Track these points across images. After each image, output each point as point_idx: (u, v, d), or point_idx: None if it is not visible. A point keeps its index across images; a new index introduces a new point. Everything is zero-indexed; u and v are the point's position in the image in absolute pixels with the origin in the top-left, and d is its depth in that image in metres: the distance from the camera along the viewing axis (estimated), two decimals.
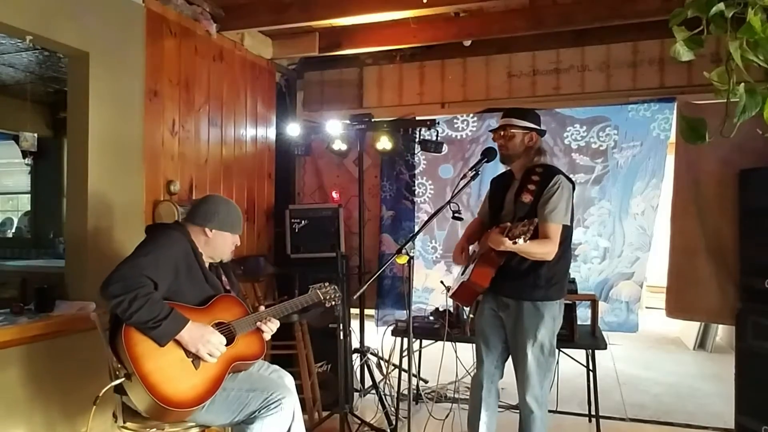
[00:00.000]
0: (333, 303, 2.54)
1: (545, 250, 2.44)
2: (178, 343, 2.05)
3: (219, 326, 2.21)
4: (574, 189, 2.57)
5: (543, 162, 2.63)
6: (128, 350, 1.97)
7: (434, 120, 4.04)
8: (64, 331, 2.56)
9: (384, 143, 4.07)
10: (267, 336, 2.36)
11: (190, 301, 2.20)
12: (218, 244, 2.35)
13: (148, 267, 2.04)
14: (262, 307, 2.41)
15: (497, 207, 2.71)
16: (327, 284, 2.56)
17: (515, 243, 2.25)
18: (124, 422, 2.18)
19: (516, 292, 2.54)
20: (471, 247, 2.81)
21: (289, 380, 2.46)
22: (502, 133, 2.60)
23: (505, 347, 2.67)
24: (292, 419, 2.29)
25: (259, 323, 2.31)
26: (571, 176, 2.64)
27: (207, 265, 2.41)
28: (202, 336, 2.08)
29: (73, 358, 2.63)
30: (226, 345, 2.17)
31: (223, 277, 2.47)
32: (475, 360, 2.79)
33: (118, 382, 2.03)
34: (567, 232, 2.53)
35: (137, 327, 1.98)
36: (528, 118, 2.61)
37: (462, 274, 2.75)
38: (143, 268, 2.03)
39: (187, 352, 2.07)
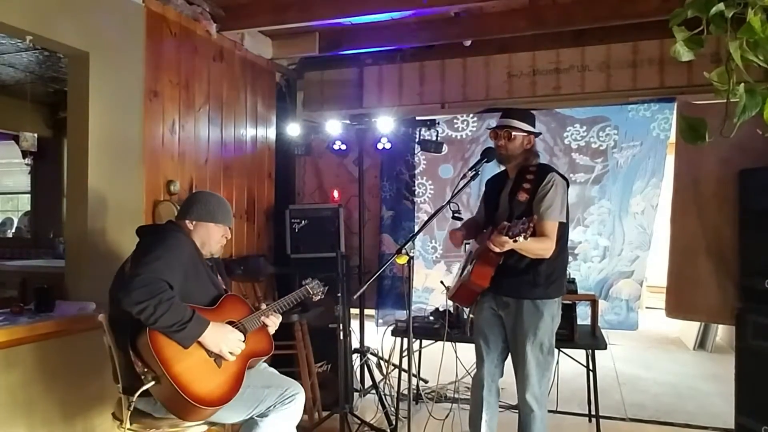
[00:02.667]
0: (320, 296, 2.63)
1: (544, 247, 2.45)
2: (200, 344, 2.09)
3: (232, 324, 2.24)
4: (568, 186, 2.59)
5: (537, 163, 2.65)
6: (157, 354, 1.99)
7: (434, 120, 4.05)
8: (64, 331, 2.56)
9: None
10: (272, 330, 2.42)
11: (200, 301, 2.22)
12: (202, 236, 2.34)
13: (164, 271, 2.05)
14: (264, 305, 2.45)
15: (492, 207, 2.72)
16: (311, 279, 2.65)
17: (516, 241, 2.25)
18: (131, 424, 2.17)
19: (515, 290, 2.55)
20: (468, 247, 2.82)
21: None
22: (502, 133, 2.60)
23: (505, 346, 2.68)
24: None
25: (263, 318, 2.36)
26: (571, 176, 2.66)
27: None
28: (224, 336, 2.13)
29: (73, 358, 2.63)
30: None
31: (218, 276, 2.48)
32: (475, 360, 2.79)
33: (149, 385, 2.04)
34: (563, 229, 2.54)
35: (162, 331, 2.00)
36: (528, 120, 2.62)
37: (461, 275, 2.75)
38: (161, 273, 2.03)
39: (209, 352, 2.11)
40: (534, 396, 2.54)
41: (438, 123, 4.07)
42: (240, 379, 2.18)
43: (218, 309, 2.26)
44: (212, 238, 2.36)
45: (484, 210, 2.81)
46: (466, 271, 2.66)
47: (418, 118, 4.17)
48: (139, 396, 2.07)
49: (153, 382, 2.03)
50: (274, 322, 2.41)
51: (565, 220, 2.54)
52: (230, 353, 2.14)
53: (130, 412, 2.11)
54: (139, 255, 2.13)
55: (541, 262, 2.49)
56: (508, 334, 2.63)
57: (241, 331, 2.24)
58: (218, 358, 2.13)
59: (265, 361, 2.50)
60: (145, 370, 2.05)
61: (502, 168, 2.75)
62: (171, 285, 2.04)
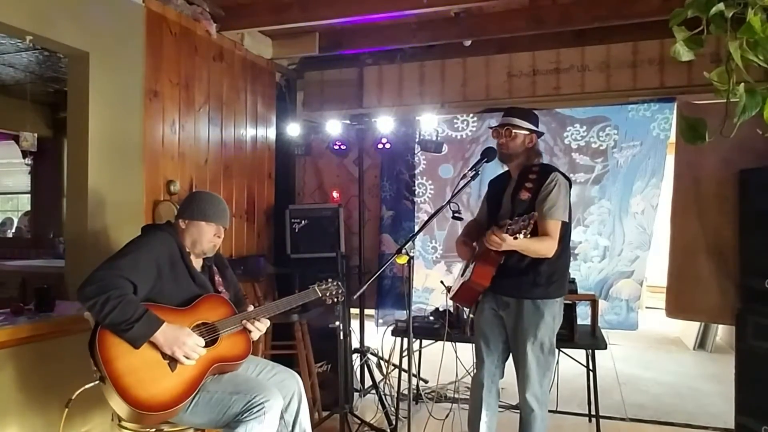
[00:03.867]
0: (335, 300, 2.46)
1: (546, 246, 2.44)
2: (155, 345, 2.03)
3: (202, 327, 2.18)
4: (570, 186, 2.59)
5: (539, 162, 2.65)
6: (101, 353, 1.96)
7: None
8: (64, 331, 2.55)
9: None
10: (255, 336, 2.30)
11: (174, 301, 2.18)
12: (194, 235, 2.30)
13: (125, 268, 2.03)
14: (251, 307, 2.35)
15: (495, 207, 2.72)
16: (329, 280, 2.48)
17: (516, 238, 2.25)
18: (119, 421, 2.17)
19: (516, 290, 2.54)
20: None
21: (294, 381, 2.40)
22: (503, 131, 2.60)
23: (506, 347, 2.67)
24: (295, 420, 2.29)
25: (245, 323, 2.26)
26: (571, 176, 2.65)
27: (201, 264, 2.40)
28: (177, 338, 2.05)
29: (73, 358, 2.62)
30: (209, 346, 2.15)
31: (217, 277, 2.44)
32: (475, 360, 2.79)
33: (91, 384, 2.02)
34: (566, 228, 2.54)
35: (111, 329, 1.97)
36: (530, 119, 2.62)
37: (462, 275, 2.75)
38: (121, 270, 2.02)
39: (164, 354, 2.05)
40: (535, 396, 2.54)
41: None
42: (195, 384, 2.08)
43: (190, 310, 2.20)
44: (204, 237, 2.31)
45: (487, 210, 2.80)
46: (467, 271, 2.65)
47: (417, 118, 4.17)
48: None
49: (97, 381, 2.01)
50: (258, 328, 2.28)
51: (567, 220, 2.53)
52: (185, 357, 2.05)
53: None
54: (114, 253, 2.14)
55: (542, 261, 2.48)
56: (508, 334, 2.62)
57: (212, 334, 2.17)
58: (173, 361, 2.05)
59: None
60: (94, 368, 2.02)
61: (505, 168, 2.75)
62: (135, 283, 2.03)
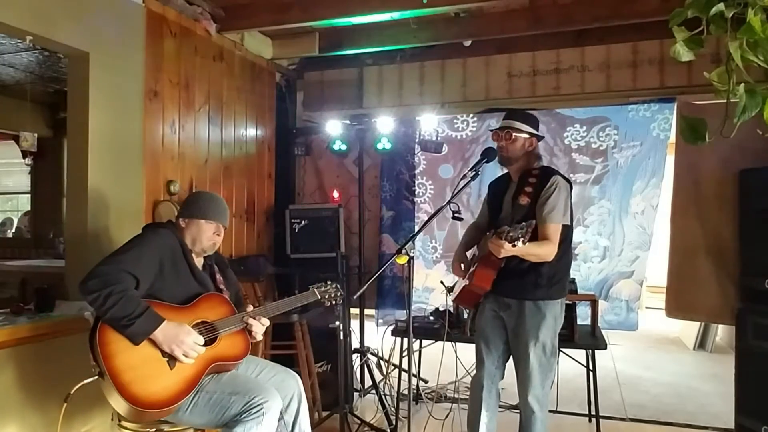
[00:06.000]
0: (333, 302, 2.49)
1: (545, 251, 2.44)
2: (154, 343, 2.03)
3: (201, 325, 2.18)
4: (571, 189, 2.58)
5: (539, 166, 2.64)
6: (101, 348, 1.96)
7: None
8: (64, 331, 2.55)
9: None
10: (258, 336, 2.32)
11: (174, 298, 2.18)
12: (194, 233, 2.31)
13: (128, 263, 2.04)
14: (250, 306, 2.36)
15: (496, 210, 2.71)
16: (329, 282, 2.51)
17: (514, 246, 2.24)
18: (119, 421, 2.17)
19: (517, 291, 2.54)
20: (470, 252, 2.81)
21: (294, 382, 2.40)
22: (503, 134, 2.60)
23: (506, 348, 2.67)
24: (295, 420, 2.29)
25: (247, 319, 2.27)
26: (571, 176, 2.65)
27: (202, 263, 2.40)
28: (177, 336, 2.05)
29: (73, 358, 2.62)
30: (208, 345, 2.15)
31: (218, 276, 2.45)
32: (475, 360, 2.79)
33: (90, 380, 2.02)
34: (567, 231, 2.53)
35: (111, 324, 1.98)
36: (530, 122, 2.61)
37: (463, 277, 2.75)
38: (124, 264, 2.03)
39: (163, 352, 2.05)
40: (536, 398, 2.53)
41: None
42: (193, 383, 2.08)
43: (191, 308, 2.20)
44: (203, 235, 2.32)
45: (488, 213, 2.80)
46: (468, 274, 2.65)
47: (417, 118, 4.17)
48: None
49: (96, 377, 2.01)
50: (258, 329, 2.29)
51: (568, 223, 2.52)
52: (183, 355, 2.05)
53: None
54: (117, 248, 2.15)
55: (543, 263, 2.47)
56: (509, 335, 2.62)
57: (210, 333, 2.17)
58: (172, 359, 2.06)
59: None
60: (93, 363, 2.03)
61: (505, 171, 2.74)
62: (137, 277, 2.04)
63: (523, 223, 2.24)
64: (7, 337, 2.34)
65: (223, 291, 2.40)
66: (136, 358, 2.00)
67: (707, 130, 1.27)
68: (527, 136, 2.59)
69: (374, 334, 4.11)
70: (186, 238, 2.32)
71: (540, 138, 2.68)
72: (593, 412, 3.48)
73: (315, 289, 2.47)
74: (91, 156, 2.85)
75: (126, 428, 2.17)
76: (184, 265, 2.26)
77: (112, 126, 2.97)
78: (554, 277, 2.52)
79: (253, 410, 2.06)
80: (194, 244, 2.33)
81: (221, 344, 2.20)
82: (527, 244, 2.25)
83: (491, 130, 2.71)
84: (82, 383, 2.07)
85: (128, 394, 1.95)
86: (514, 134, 2.57)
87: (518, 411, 2.63)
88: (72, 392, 2.10)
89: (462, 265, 2.74)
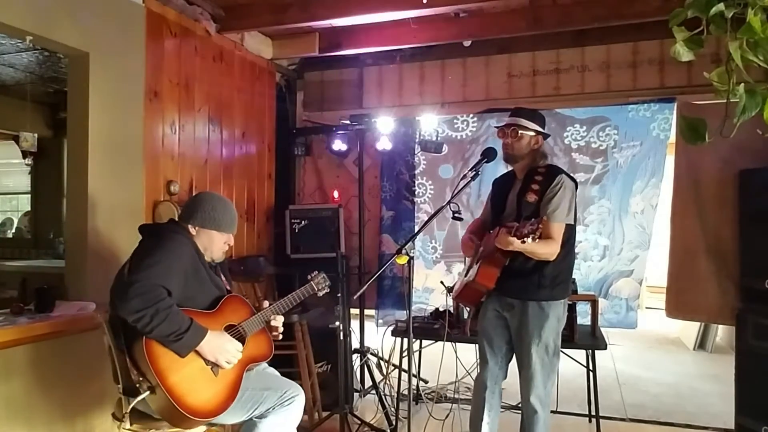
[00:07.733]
0: (325, 291, 2.54)
1: (549, 250, 2.44)
2: (197, 352, 2.07)
3: (230, 329, 2.22)
4: (576, 188, 2.57)
5: (546, 164, 2.63)
6: (152, 364, 1.97)
7: None
8: (64, 331, 2.55)
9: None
10: (279, 335, 2.42)
11: (200, 304, 2.20)
12: (204, 242, 2.30)
13: (161, 277, 2.02)
14: (266, 303, 2.39)
15: (499, 208, 2.70)
16: (315, 273, 2.56)
17: (524, 242, 2.24)
18: (131, 424, 2.17)
19: (521, 292, 2.53)
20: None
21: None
22: (509, 131, 2.59)
23: (509, 348, 2.66)
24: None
25: (272, 321, 2.36)
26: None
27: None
28: (221, 345, 2.11)
29: (74, 358, 2.63)
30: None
31: (221, 276, 2.46)
32: (477, 360, 2.79)
33: (143, 396, 2.02)
34: (570, 231, 2.52)
35: (159, 340, 1.99)
36: (536, 120, 2.60)
37: (465, 275, 2.74)
38: (159, 279, 2.01)
39: (206, 360, 2.09)
40: (539, 398, 2.53)
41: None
42: (237, 387, 2.16)
43: (218, 312, 2.23)
44: (215, 245, 2.33)
45: (491, 210, 2.79)
46: (471, 272, 2.64)
47: (417, 118, 4.17)
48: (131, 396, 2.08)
49: (148, 392, 2.02)
50: (278, 324, 2.40)
51: (572, 222, 2.52)
52: (227, 363, 2.12)
53: (129, 413, 2.11)
54: (139, 259, 2.10)
55: (547, 263, 2.47)
56: (512, 335, 2.62)
57: (240, 335, 2.22)
58: (215, 366, 2.11)
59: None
60: (141, 378, 2.03)
61: (509, 168, 2.73)
62: (170, 291, 2.02)
63: (533, 220, 2.24)
64: (7, 337, 2.34)
65: (230, 292, 2.42)
66: (185, 370, 2.04)
67: (707, 130, 1.27)
68: (533, 133, 2.58)
69: (374, 334, 4.11)
70: (197, 244, 2.30)
71: (546, 136, 2.66)
72: (593, 413, 3.48)
73: (311, 282, 2.53)
74: (91, 156, 2.85)
75: (128, 429, 2.16)
76: (203, 271, 2.27)
77: (112, 126, 2.97)
78: (557, 278, 2.51)
79: (286, 402, 2.22)
80: (204, 251, 2.32)
81: (249, 345, 2.25)
82: (537, 241, 2.25)
83: (496, 127, 2.69)
84: (135, 402, 2.06)
85: (185, 406, 1.99)
86: (520, 132, 2.56)
87: (519, 411, 2.63)
88: (128, 411, 2.10)
89: (471, 244, 2.71)
